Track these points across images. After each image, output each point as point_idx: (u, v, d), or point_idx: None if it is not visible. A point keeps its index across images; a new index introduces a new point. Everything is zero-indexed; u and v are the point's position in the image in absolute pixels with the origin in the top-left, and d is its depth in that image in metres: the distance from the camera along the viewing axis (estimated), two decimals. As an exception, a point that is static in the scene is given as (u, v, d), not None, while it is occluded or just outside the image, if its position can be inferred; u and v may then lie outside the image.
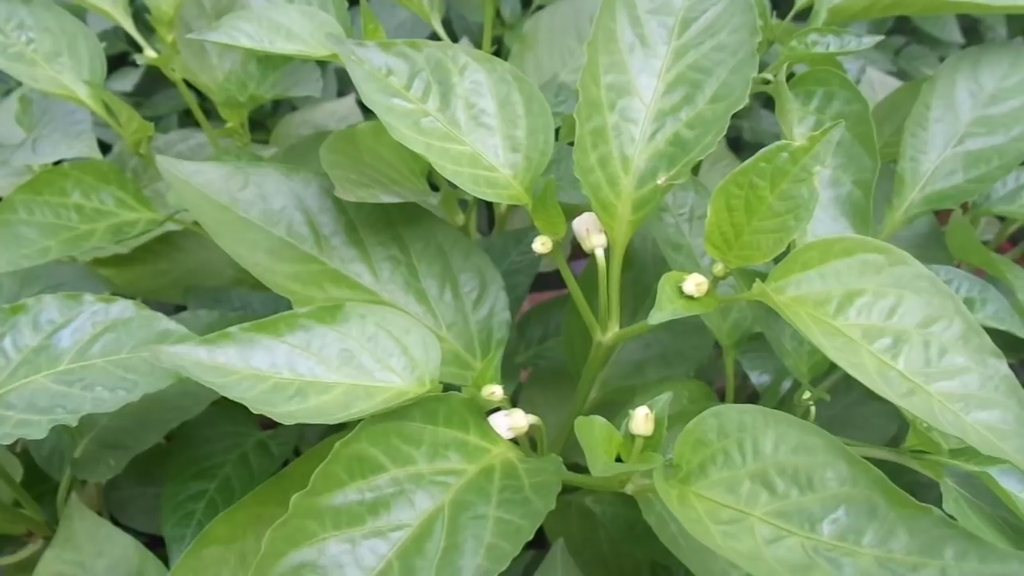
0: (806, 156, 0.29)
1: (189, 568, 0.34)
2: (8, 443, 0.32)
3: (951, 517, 0.32)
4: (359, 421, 0.31)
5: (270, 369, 0.31)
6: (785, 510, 0.25)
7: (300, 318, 0.32)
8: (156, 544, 0.50)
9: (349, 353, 0.32)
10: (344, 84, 0.73)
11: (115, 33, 0.80)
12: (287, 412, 0.29)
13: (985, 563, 0.22)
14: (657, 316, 0.30)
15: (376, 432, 0.30)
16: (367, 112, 0.75)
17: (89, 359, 0.36)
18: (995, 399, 0.27)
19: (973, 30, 0.99)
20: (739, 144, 0.91)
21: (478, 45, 0.80)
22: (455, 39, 0.76)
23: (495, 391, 0.33)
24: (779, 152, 0.30)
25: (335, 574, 0.27)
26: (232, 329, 0.31)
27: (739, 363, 0.50)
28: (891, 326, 0.29)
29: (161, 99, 0.84)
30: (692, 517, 0.25)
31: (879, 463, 0.39)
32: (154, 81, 0.87)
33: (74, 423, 0.33)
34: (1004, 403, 0.27)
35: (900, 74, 0.97)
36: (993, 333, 0.49)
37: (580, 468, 0.40)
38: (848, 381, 0.50)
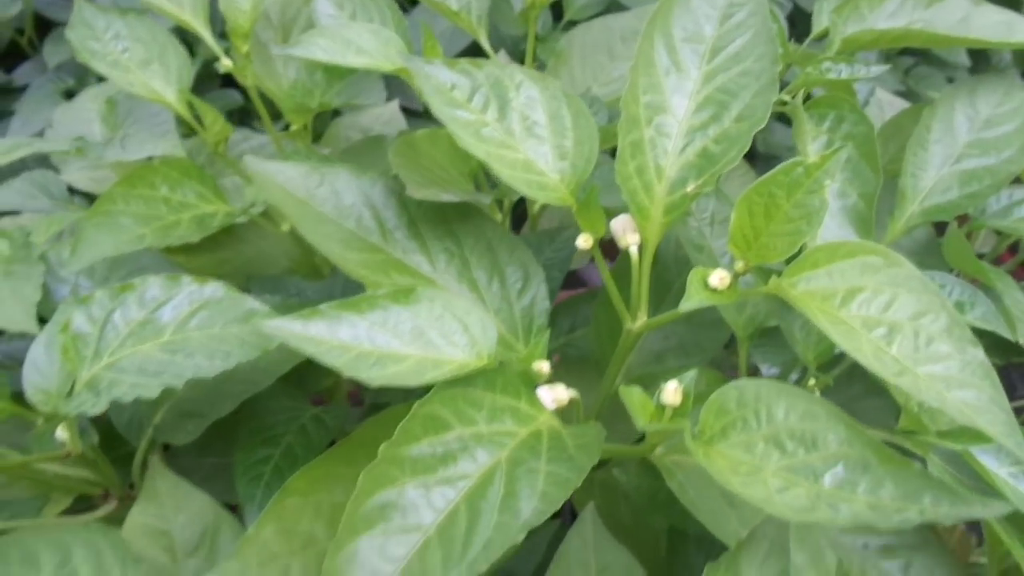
0: (818, 171, 0.34)
1: (274, 515, 0.39)
2: (128, 400, 0.37)
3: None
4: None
5: (353, 341, 0.36)
6: (793, 466, 0.30)
7: (379, 299, 0.37)
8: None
9: (420, 330, 0.37)
10: (389, 90, 0.78)
11: (175, 33, 0.85)
12: (371, 376, 0.35)
13: (955, 507, 0.27)
14: (686, 304, 0.35)
15: (446, 396, 0.35)
16: (410, 116, 0.80)
17: (188, 331, 0.41)
18: (972, 381, 0.32)
19: (980, 52, 1.04)
20: (753, 155, 0.96)
21: (513, 55, 0.85)
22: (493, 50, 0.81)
23: (543, 366, 0.38)
24: (795, 167, 0.35)
25: (412, 513, 0.32)
26: (322, 306, 0.36)
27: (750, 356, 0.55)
28: (887, 318, 0.34)
29: (212, 98, 0.90)
30: (716, 468, 0.30)
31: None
32: (204, 81, 0.92)
33: (180, 386, 0.38)
34: (979, 385, 0.32)
35: (909, 93, 1.01)
36: (982, 335, 0.55)
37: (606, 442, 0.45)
38: (850, 376, 0.55)
